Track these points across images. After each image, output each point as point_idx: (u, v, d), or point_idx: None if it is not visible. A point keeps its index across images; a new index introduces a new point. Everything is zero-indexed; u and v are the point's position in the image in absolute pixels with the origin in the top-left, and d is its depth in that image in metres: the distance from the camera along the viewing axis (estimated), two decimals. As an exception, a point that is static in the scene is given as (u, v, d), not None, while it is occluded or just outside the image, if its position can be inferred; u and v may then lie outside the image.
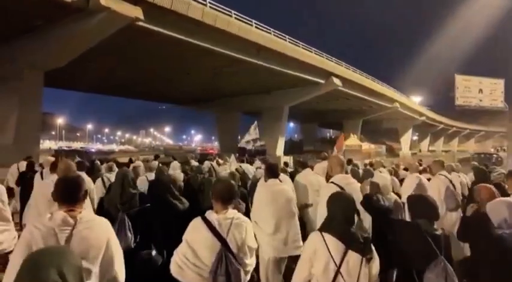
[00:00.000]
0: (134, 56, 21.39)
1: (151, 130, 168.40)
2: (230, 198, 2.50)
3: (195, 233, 2.38)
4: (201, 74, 25.89)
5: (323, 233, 2.29)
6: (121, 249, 2.11)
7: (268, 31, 22.94)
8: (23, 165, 7.69)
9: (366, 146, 37.04)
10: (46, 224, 1.87)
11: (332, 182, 3.71)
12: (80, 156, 13.98)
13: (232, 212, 2.47)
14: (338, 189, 3.43)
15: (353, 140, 38.66)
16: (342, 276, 2.20)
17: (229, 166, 9.60)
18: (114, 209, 3.74)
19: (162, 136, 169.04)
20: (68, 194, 2.04)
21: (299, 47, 25.73)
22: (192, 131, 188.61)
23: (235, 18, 20.24)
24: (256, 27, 21.82)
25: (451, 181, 5.16)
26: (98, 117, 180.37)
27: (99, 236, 1.97)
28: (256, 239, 2.80)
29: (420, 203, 2.77)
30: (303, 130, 64.08)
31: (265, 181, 4.01)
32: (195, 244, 2.34)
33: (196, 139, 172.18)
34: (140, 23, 15.67)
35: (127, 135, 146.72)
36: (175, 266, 2.37)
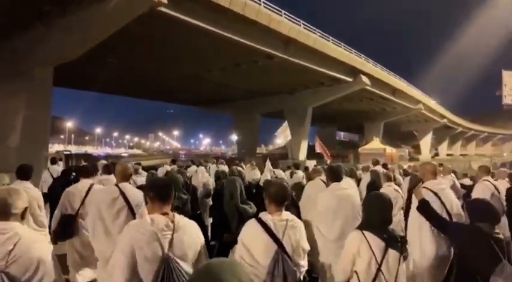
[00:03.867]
0: (153, 50, 19.50)
1: (160, 134, 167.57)
2: (283, 200, 2.45)
3: (251, 234, 2.34)
4: (222, 71, 24.00)
5: (364, 232, 2.36)
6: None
7: (298, 23, 20.93)
8: (54, 170, 7.66)
9: (389, 149, 35.44)
10: (149, 229, 1.91)
11: (425, 187, 3.62)
12: (86, 161, 12.97)
13: (286, 214, 2.44)
14: (431, 193, 3.48)
15: (376, 144, 36.86)
16: (383, 273, 2.28)
17: (264, 172, 9.45)
18: None
19: (171, 140, 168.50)
20: (163, 198, 2.08)
21: (329, 41, 23.67)
22: (200, 135, 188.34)
23: (264, 6, 18.23)
24: (285, 17, 19.81)
25: (495, 187, 5.04)
26: (107, 121, 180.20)
27: (195, 240, 2.06)
28: (317, 244, 3.45)
29: (481, 206, 2.69)
30: (321, 133, 61.69)
31: (327, 185, 3.89)
32: (251, 245, 2.30)
33: (204, 143, 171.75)
34: (162, 9, 13.77)
35: (136, 139, 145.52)
36: None
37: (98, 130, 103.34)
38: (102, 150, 79.44)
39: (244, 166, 11.18)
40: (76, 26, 13.49)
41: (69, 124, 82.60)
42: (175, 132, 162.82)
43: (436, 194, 3.51)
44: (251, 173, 9.25)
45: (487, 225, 2.53)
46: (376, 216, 2.42)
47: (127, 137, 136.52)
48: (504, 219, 4.66)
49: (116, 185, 3.30)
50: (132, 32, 15.08)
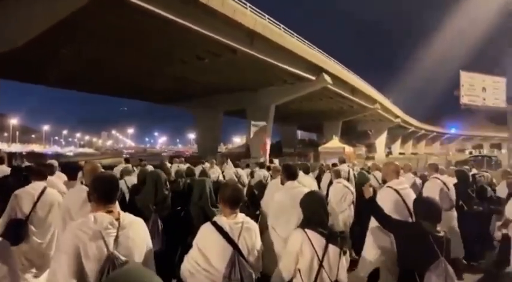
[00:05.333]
0: (109, 41, 18.14)
1: (114, 132, 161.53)
2: (238, 203, 2.43)
3: (206, 238, 2.31)
4: (184, 64, 22.91)
5: (305, 230, 2.41)
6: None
7: (263, 17, 20.28)
8: (1, 170, 6.80)
9: (347, 148, 35.80)
10: (92, 227, 1.83)
11: (389, 186, 3.76)
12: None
13: (241, 216, 2.43)
14: (395, 192, 3.62)
15: (335, 143, 37.03)
16: (324, 269, 2.34)
17: (225, 171, 9.44)
18: (147, 209, 3.85)
19: (125, 138, 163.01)
20: (108, 194, 2.00)
21: (293, 37, 23.23)
22: (156, 133, 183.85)
23: (229, -2, 17.38)
24: (250, 10, 19.10)
25: (444, 183, 5.36)
26: (56, 119, 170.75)
27: (141, 236, 2.00)
28: (273, 246, 3.31)
29: (425, 204, 2.78)
30: (282, 132, 61.59)
31: (282, 184, 3.80)
32: (207, 250, 2.27)
33: (160, 141, 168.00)
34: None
35: (87, 138, 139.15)
36: (186, 272, 2.32)
37: (46, 127, 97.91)
38: (51, 149, 74.98)
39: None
40: (18, 8, 12.08)
41: (14, 121, 77.18)
42: (130, 131, 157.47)
43: (399, 192, 3.63)
44: (209, 172, 8.84)
45: (428, 224, 2.63)
46: (315, 213, 2.49)
47: (77, 135, 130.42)
48: (453, 213, 5.21)
49: (86, 185, 3.15)
50: (83, 21, 13.86)
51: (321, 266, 2.33)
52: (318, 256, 2.34)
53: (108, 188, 2.02)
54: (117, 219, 1.91)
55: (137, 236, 1.96)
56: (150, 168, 8.24)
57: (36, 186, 3.73)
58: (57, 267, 1.78)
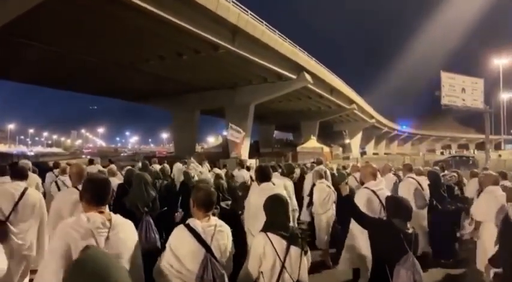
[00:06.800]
0: (83, 33, 17.03)
1: (83, 131, 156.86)
2: (211, 205, 2.48)
3: (179, 240, 2.33)
4: (162, 60, 21.96)
5: (267, 233, 2.47)
6: None
7: (246, 12, 19.59)
8: None
9: (325, 148, 35.94)
10: (84, 226, 1.88)
11: (366, 187, 4.01)
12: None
13: (214, 219, 2.47)
14: (372, 193, 3.88)
15: (313, 143, 37.00)
16: (286, 270, 2.42)
17: (196, 171, 9.03)
18: (137, 210, 3.99)
19: (95, 138, 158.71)
20: (101, 196, 2.07)
21: (275, 34, 22.68)
22: (127, 133, 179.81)
23: (212, -10, 16.60)
24: (233, 5, 18.38)
25: (419, 183, 5.62)
26: (23, 117, 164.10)
27: (131, 238, 2.09)
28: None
29: (397, 204, 2.94)
30: (259, 132, 60.89)
31: (258, 185, 3.97)
32: (180, 251, 2.29)
33: (132, 141, 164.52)
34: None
35: (55, 137, 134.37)
36: (159, 273, 2.33)
37: (11, 126, 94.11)
38: (17, 149, 71.66)
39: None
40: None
41: (-24, 119, 73.68)
42: (100, 130, 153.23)
43: (375, 193, 3.85)
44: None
45: (399, 221, 2.79)
46: (278, 216, 2.55)
47: (45, 134, 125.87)
48: (424, 212, 5.58)
49: (75, 186, 3.32)
50: (59, 9, 12.85)
51: (283, 267, 2.40)
52: (279, 258, 2.40)
53: (102, 191, 2.09)
54: (109, 220, 1.96)
55: (127, 237, 2.03)
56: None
57: (16, 186, 3.59)
58: (47, 263, 1.82)
